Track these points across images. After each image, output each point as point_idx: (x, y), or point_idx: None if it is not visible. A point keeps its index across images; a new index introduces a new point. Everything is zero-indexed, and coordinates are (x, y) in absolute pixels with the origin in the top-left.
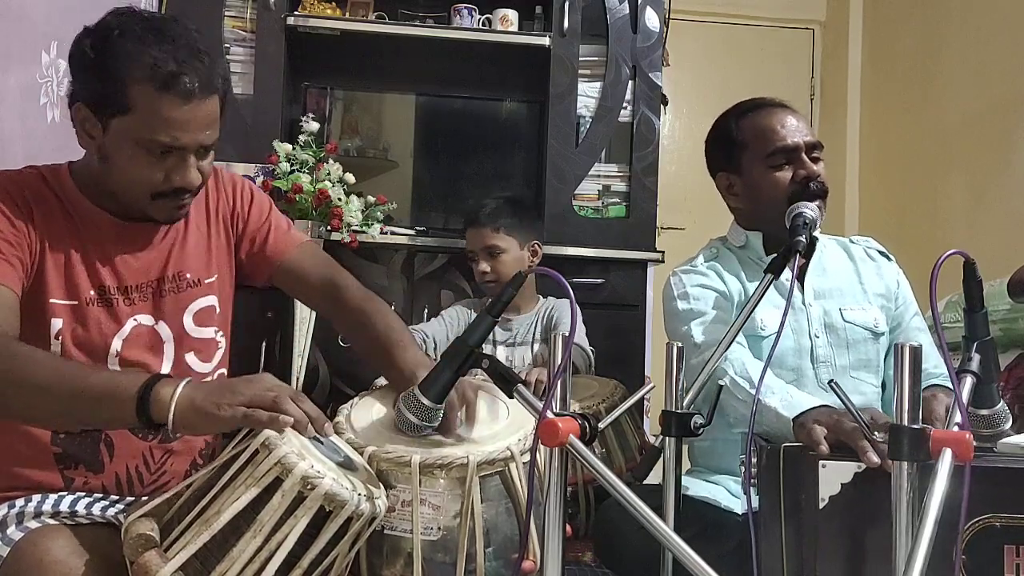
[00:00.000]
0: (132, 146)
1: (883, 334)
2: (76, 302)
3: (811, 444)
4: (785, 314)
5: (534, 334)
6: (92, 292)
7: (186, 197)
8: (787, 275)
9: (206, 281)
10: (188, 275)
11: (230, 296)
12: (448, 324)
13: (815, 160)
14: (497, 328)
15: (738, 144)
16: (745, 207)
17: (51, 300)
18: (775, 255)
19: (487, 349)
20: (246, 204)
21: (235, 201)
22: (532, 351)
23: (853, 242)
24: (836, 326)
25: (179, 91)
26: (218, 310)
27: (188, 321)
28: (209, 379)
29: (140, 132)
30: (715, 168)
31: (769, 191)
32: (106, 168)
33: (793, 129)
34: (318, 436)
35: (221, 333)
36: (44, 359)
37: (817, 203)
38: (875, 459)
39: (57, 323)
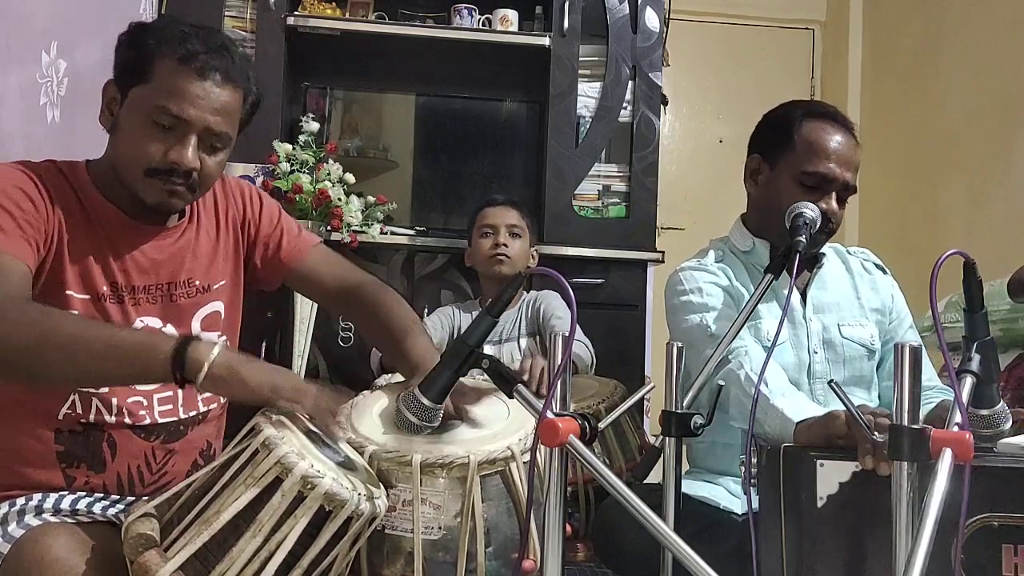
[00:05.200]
0: (141, 116)
1: (877, 350)
2: (91, 296)
3: (834, 435)
4: (785, 313)
5: (520, 329)
6: (106, 288)
7: (178, 182)
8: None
9: (214, 287)
10: (198, 281)
11: (237, 302)
12: (431, 330)
13: (841, 200)
14: None
15: (789, 141)
16: (757, 200)
17: (68, 292)
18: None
19: None
20: (256, 210)
21: (245, 207)
22: (520, 347)
23: (851, 253)
24: (834, 342)
25: (197, 67)
26: (223, 316)
27: (195, 326)
28: None
29: (152, 100)
30: (753, 148)
31: (786, 202)
32: (113, 140)
33: (843, 162)
34: (324, 435)
35: (225, 338)
36: (73, 317)
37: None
38: (869, 463)
39: None
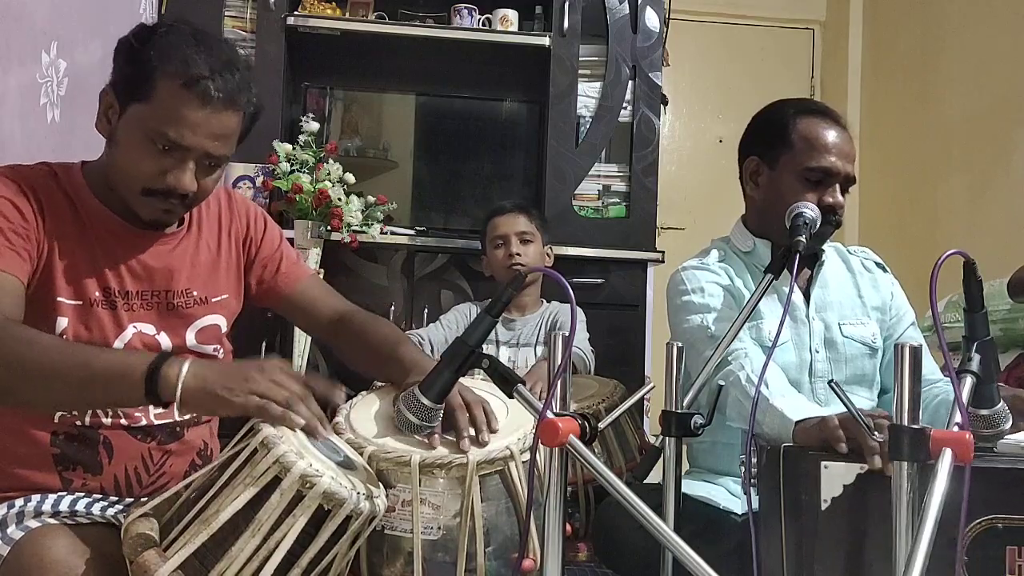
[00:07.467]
0: (140, 134)
1: (880, 348)
2: (82, 302)
3: (830, 440)
4: (785, 313)
5: (538, 336)
6: (98, 293)
7: (175, 202)
8: (788, 280)
9: (213, 300)
10: (195, 292)
11: (235, 316)
12: (447, 327)
13: (843, 192)
14: (501, 328)
15: (786, 140)
16: (760, 201)
17: (58, 298)
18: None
19: (490, 350)
20: (260, 231)
21: (249, 226)
22: (535, 353)
23: (852, 253)
24: (835, 341)
25: (200, 93)
26: (223, 329)
27: (190, 337)
28: None
29: (151, 122)
30: (748, 150)
31: (791, 199)
32: (110, 152)
33: (843, 155)
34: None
35: (223, 350)
36: (51, 343)
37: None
38: (878, 463)
39: (62, 322)
